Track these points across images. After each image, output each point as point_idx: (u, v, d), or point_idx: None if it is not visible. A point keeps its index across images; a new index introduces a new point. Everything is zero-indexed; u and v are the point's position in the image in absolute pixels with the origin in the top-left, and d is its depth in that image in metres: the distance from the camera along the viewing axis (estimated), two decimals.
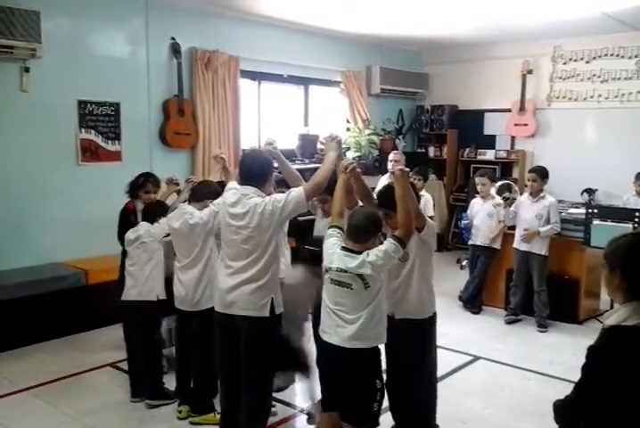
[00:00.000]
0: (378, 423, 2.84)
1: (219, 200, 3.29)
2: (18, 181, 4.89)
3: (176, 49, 5.78)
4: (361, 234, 2.69)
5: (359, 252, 2.64)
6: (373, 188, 5.26)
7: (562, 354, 4.61)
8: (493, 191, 5.69)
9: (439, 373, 3.45)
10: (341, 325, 2.66)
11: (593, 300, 5.53)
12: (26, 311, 4.57)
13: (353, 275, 2.62)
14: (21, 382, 3.99)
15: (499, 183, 5.87)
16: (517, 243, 5.34)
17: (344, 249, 2.69)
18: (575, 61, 7.56)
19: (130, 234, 3.72)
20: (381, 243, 2.69)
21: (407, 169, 2.91)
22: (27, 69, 4.85)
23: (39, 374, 4.11)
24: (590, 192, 7.13)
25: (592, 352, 1.76)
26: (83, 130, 5.26)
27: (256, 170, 2.98)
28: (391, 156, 6.18)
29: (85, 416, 3.58)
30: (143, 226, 3.74)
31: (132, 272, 3.70)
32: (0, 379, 4.07)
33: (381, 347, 2.86)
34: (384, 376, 2.85)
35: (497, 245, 5.60)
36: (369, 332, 2.65)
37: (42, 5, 4.75)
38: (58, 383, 4.03)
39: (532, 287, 5.27)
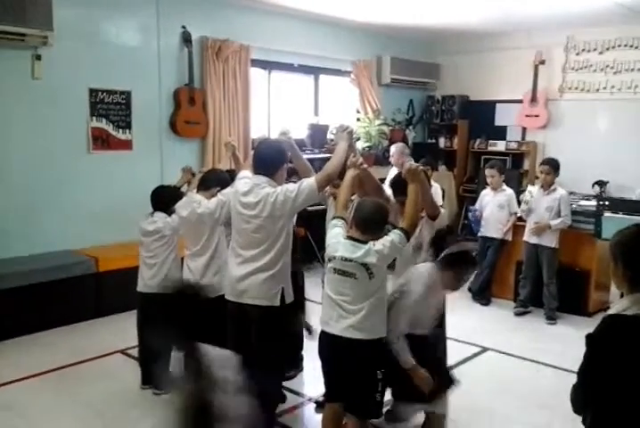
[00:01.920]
0: (381, 414, 2.86)
1: (229, 189, 3.30)
2: (29, 169, 4.91)
3: (186, 38, 5.77)
4: (371, 226, 2.71)
5: (365, 242, 2.66)
6: (383, 179, 5.27)
7: (570, 346, 4.57)
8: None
9: (448, 363, 3.46)
10: (343, 316, 2.68)
11: (603, 293, 5.50)
12: (37, 298, 4.61)
13: (358, 264, 2.63)
14: (32, 368, 4.03)
15: None
16: (527, 236, 5.32)
17: (349, 238, 2.70)
18: (588, 51, 7.48)
19: (148, 226, 3.70)
20: (386, 235, 2.71)
21: (419, 166, 2.93)
22: (38, 57, 4.86)
23: (49, 361, 4.15)
24: (601, 184, 7.08)
25: (590, 340, 1.81)
26: (94, 118, 5.27)
27: (268, 160, 2.99)
28: (392, 149, 6.04)
29: (94, 403, 3.62)
30: (160, 218, 3.70)
31: (151, 264, 3.69)
32: (10, 365, 4.11)
33: None
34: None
35: (508, 237, 5.58)
36: (370, 323, 2.67)
37: None
38: (68, 369, 4.07)
39: (542, 279, 5.26)
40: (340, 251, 2.69)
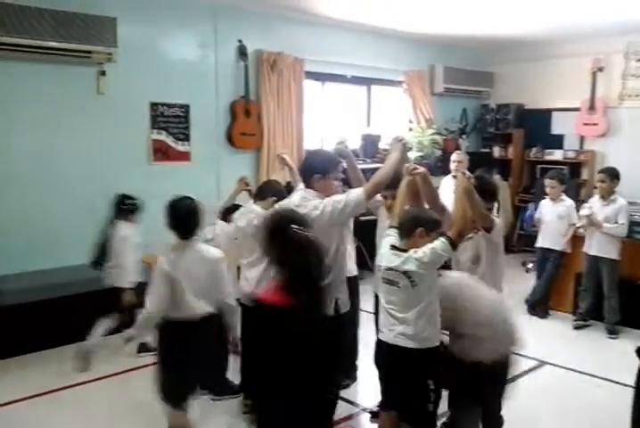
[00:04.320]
0: (435, 425, 2.85)
1: (286, 200, 3.36)
2: (94, 180, 5.10)
3: (242, 52, 5.92)
4: (403, 229, 2.75)
5: (406, 250, 2.67)
6: (436, 188, 5.25)
7: (632, 362, 4.43)
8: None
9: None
10: (394, 324, 2.70)
11: None
12: (83, 307, 4.54)
13: (399, 272, 2.65)
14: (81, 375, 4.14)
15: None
16: (587, 247, 5.19)
17: (392, 247, 2.73)
18: None
19: (207, 234, 3.80)
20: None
21: (469, 174, 2.92)
22: (103, 73, 5.08)
23: (114, 362, 4.30)
24: None
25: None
26: (155, 131, 5.47)
27: (303, 172, 3.05)
28: (454, 156, 6.13)
29: (151, 407, 3.70)
30: (220, 226, 3.78)
31: None
32: (63, 371, 4.20)
33: None
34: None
35: (568, 249, 5.44)
36: (419, 332, 2.66)
37: (118, 12, 4.96)
38: (126, 374, 4.20)
39: (602, 292, 5.11)
40: (384, 261, 2.74)
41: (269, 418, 2.32)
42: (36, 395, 3.88)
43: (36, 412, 3.68)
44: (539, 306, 5.55)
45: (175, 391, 2.94)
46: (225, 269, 3.07)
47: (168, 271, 2.89)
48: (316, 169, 3.00)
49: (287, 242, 2.33)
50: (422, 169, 3.00)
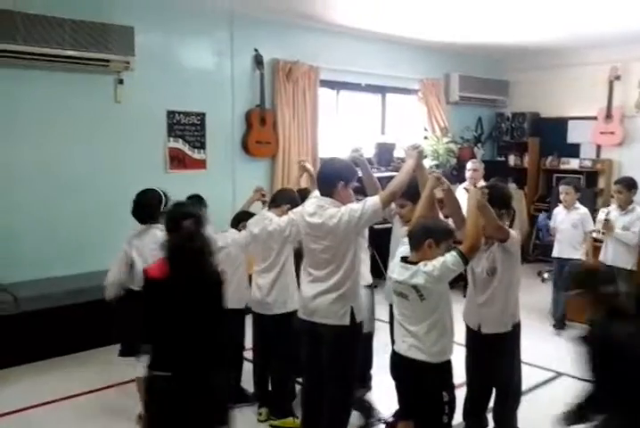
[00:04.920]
0: None
1: (299, 208, 3.36)
2: (111, 187, 5.13)
3: (258, 60, 5.95)
4: (412, 241, 2.71)
5: (415, 263, 2.64)
6: None
7: None
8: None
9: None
10: (406, 336, 2.70)
11: None
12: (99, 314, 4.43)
13: (408, 286, 2.63)
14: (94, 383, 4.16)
15: None
16: (602, 257, 5.12)
17: (403, 259, 2.71)
18: None
19: (218, 242, 3.82)
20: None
21: (485, 189, 2.90)
22: (121, 81, 5.13)
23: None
24: None
25: None
26: (171, 139, 5.51)
27: (325, 179, 3.01)
28: (469, 165, 6.12)
29: None
30: (231, 234, 3.80)
31: None
32: (92, 374, 4.27)
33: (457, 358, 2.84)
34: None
35: (587, 258, 5.33)
36: (429, 345, 2.65)
37: (135, 21, 5.01)
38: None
39: None
40: (395, 273, 2.72)
41: None
42: (54, 401, 3.90)
43: (54, 417, 3.70)
44: (563, 319, 5.44)
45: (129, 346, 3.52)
46: None
47: (125, 249, 3.52)
48: (341, 177, 2.98)
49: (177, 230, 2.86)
50: (445, 182, 2.99)
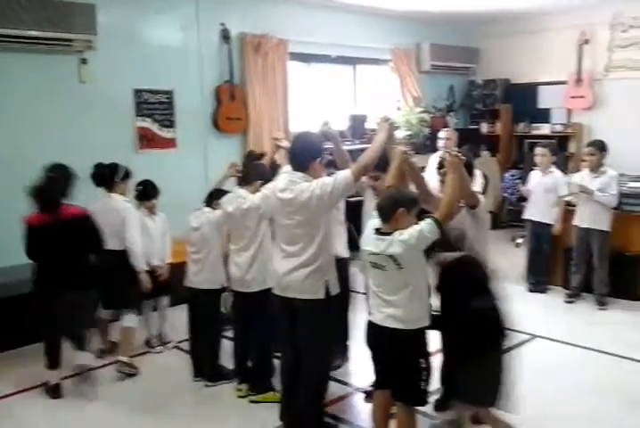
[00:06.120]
0: (427, 402, 2.90)
1: (271, 184, 3.35)
2: (78, 170, 5.04)
3: (226, 35, 5.86)
4: (383, 213, 2.72)
5: (390, 234, 2.66)
6: (424, 167, 5.25)
7: (622, 331, 4.53)
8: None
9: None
10: (383, 306, 2.73)
11: None
12: None
13: (385, 256, 2.65)
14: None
15: None
16: (578, 220, 5.18)
17: (377, 231, 2.72)
18: (635, 28, 7.23)
19: (192, 221, 3.82)
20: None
21: (461, 156, 2.90)
22: (84, 61, 5.03)
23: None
24: None
25: None
26: (139, 118, 5.43)
27: (301, 155, 2.99)
28: (442, 134, 6.10)
29: (149, 395, 3.77)
30: (205, 213, 3.80)
31: (196, 259, 3.81)
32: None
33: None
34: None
35: (558, 224, 5.39)
36: (407, 313, 2.69)
37: None
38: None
39: (592, 264, 5.16)
40: (369, 245, 2.73)
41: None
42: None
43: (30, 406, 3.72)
44: (543, 282, 5.59)
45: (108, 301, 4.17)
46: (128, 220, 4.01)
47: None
48: (314, 152, 2.99)
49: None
50: (409, 154, 3.00)
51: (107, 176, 4.10)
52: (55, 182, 3.67)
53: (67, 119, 5.01)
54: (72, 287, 3.59)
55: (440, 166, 3.17)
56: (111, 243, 3.95)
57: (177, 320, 4.19)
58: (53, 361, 3.74)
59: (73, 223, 3.60)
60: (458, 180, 2.84)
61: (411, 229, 2.63)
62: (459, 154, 2.90)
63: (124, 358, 4.02)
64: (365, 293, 3.57)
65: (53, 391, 3.73)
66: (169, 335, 4.52)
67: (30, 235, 3.60)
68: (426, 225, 2.63)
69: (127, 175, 4.19)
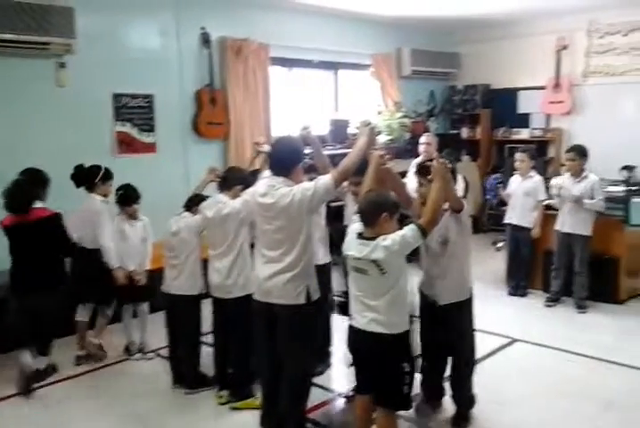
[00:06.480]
0: (410, 406, 2.90)
1: (251, 189, 3.33)
2: (55, 175, 4.92)
3: (206, 39, 5.83)
4: (365, 218, 2.71)
5: (373, 238, 2.65)
6: (405, 172, 5.27)
7: (602, 335, 4.56)
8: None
9: (477, 356, 3.47)
10: (365, 310, 2.72)
11: (634, 280, 5.43)
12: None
13: (368, 261, 2.65)
14: (66, 370, 4.14)
15: None
16: (560, 225, 5.20)
17: (359, 236, 2.72)
18: (612, 34, 7.35)
19: (172, 226, 3.78)
20: (401, 229, 2.69)
21: (448, 163, 2.91)
22: (62, 65, 4.97)
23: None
24: (629, 168, 6.93)
25: None
26: (118, 123, 5.38)
27: (283, 160, 2.99)
28: (423, 139, 6.13)
29: (129, 402, 3.71)
30: (183, 218, 3.77)
31: (174, 264, 3.77)
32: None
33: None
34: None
35: (537, 228, 5.43)
36: (390, 318, 2.69)
37: (76, 2, 4.82)
38: (103, 370, 4.19)
39: (572, 268, 5.19)
40: (352, 250, 2.72)
41: None
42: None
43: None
44: (524, 286, 5.62)
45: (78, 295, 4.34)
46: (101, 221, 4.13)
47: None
48: (295, 157, 2.99)
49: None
50: (386, 158, 2.99)
51: (86, 177, 4.22)
52: (25, 185, 3.87)
53: (44, 124, 4.93)
54: (41, 288, 3.80)
55: (419, 170, 3.19)
56: (88, 242, 4.15)
57: (158, 326, 4.13)
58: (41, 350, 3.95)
59: (40, 224, 3.81)
60: (444, 187, 2.84)
61: (394, 235, 2.63)
62: (446, 162, 2.91)
63: (95, 340, 4.30)
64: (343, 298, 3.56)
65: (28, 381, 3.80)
66: (149, 344, 4.46)
67: (7, 237, 3.84)
68: (410, 231, 2.64)
69: (106, 176, 4.29)
